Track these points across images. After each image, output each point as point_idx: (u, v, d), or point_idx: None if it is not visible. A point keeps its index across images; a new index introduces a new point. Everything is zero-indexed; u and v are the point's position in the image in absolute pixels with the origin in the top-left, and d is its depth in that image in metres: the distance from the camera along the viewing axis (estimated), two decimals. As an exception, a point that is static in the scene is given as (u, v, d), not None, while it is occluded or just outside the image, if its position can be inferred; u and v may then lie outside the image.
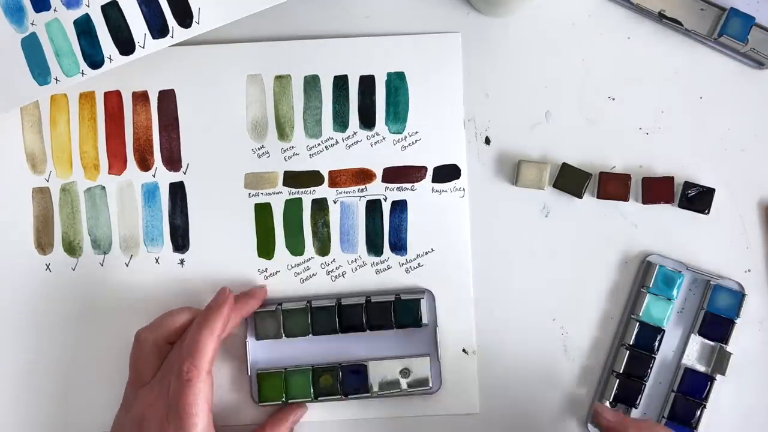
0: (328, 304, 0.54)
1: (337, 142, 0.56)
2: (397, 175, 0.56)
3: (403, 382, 0.53)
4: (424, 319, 0.54)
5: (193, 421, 0.46)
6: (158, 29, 0.52)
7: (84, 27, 0.51)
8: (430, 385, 0.54)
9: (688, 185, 0.55)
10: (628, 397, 0.54)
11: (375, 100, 0.56)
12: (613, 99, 0.56)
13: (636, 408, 0.54)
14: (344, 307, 0.54)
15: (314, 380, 0.53)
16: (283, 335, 0.54)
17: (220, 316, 0.49)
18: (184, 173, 0.56)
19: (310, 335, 0.54)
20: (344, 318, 0.54)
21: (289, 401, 0.54)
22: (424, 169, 0.56)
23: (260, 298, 0.54)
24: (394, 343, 0.55)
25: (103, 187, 0.56)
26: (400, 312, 0.54)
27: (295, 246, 0.56)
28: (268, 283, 0.55)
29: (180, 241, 0.56)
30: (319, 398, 0.53)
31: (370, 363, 0.54)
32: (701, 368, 0.54)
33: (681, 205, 0.55)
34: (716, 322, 0.54)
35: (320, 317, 0.54)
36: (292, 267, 0.56)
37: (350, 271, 0.56)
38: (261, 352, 0.55)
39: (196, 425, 0.46)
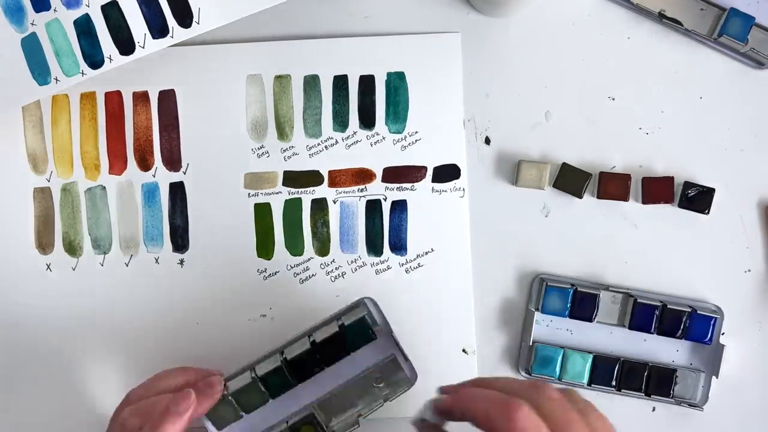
0: (273, 365, 0.50)
1: (336, 142, 0.56)
2: (397, 175, 0.56)
3: (381, 391, 0.51)
4: (375, 330, 0.51)
5: None
6: (158, 29, 0.52)
7: (84, 27, 0.51)
8: (408, 377, 0.51)
9: (688, 185, 0.55)
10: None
11: (375, 100, 0.56)
12: (613, 99, 0.56)
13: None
14: (291, 362, 0.50)
15: None
16: (243, 415, 0.50)
17: (181, 422, 0.45)
18: (184, 173, 0.56)
19: (271, 400, 0.51)
20: (296, 371, 0.50)
21: None
22: (424, 169, 0.56)
23: (215, 398, 0.48)
24: (360, 361, 0.51)
25: (104, 187, 0.56)
26: (350, 338, 0.50)
27: (295, 246, 0.56)
28: (267, 284, 0.56)
29: (180, 241, 0.56)
30: None
31: (337, 394, 0.51)
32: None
33: (681, 205, 0.55)
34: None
35: (272, 382, 0.50)
36: (292, 267, 0.56)
37: (350, 271, 0.56)
38: None
39: None
